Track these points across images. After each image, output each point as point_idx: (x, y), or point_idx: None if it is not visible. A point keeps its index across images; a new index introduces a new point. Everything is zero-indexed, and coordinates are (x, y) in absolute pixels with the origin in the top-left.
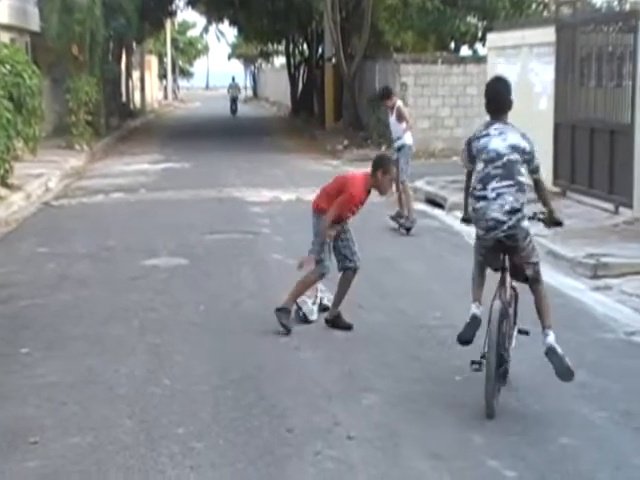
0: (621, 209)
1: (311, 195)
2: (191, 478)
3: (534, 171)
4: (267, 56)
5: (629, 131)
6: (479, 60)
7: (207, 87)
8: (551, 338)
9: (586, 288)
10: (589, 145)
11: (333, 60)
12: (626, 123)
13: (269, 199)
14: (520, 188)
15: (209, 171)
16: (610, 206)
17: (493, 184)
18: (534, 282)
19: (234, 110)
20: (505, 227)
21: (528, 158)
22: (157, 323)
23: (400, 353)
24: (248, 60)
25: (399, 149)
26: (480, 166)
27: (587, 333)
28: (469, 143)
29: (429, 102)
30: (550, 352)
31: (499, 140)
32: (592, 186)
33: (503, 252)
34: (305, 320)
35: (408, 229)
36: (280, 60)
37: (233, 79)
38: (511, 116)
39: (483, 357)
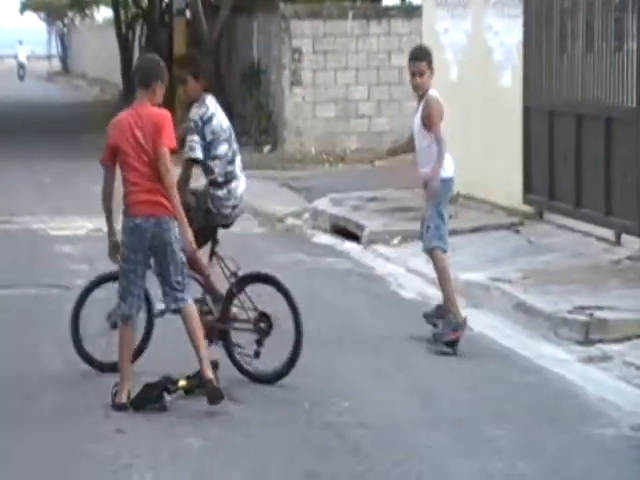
0: (625, 238)
1: None
2: None
3: None
4: (82, 6)
5: (634, 119)
6: (410, 13)
7: None
8: None
9: (573, 359)
10: (576, 141)
11: (187, 13)
12: (629, 107)
13: (86, 233)
14: None
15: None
16: (608, 233)
17: None
18: None
19: (22, 76)
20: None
21: None
22: None
23: (293, 468)
24: (53, 13)
25: (425, 186)
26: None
27: (574, 428)
28: None
29: (335, 78)
30: None
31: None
32: (581, 204)
33: None
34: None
35: (449, 343)
36: (104, 13)
37: (20, 43)
38: (458, 97)
39: None
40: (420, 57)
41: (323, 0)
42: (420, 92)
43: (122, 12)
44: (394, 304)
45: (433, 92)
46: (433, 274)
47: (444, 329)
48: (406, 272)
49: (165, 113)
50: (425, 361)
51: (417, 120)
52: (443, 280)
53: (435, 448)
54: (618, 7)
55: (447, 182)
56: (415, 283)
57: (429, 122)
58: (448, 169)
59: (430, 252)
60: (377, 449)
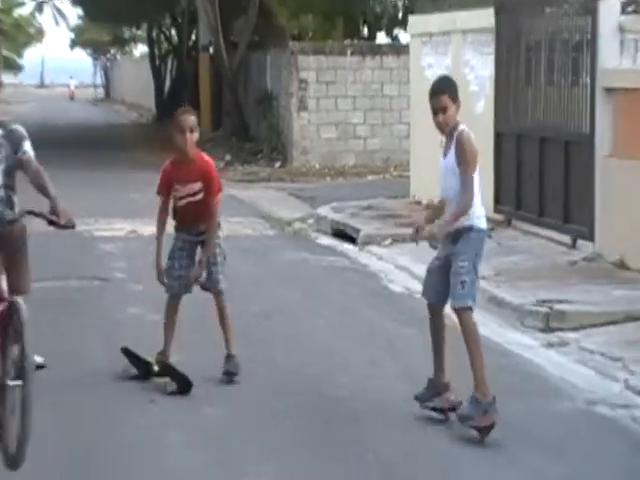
0: (580, 242)
1: None
2: None
3: None
4: (123, 43)
5: (588, 142)
6: (399, 50)
7: (42, 84)
8: None
9: (537, 345)
10: (539, 161)
11: (210, 49)
12: (584, 132)
13: (125, 234)
14: None
15: (40, 197)
16: (566, 238)
17: None
18: None
19: (72, 97)
20: None
21: None
22: None
23: (297, 433)
24: (98, 49)
25: (458, 235)
26: None
27: (538, 403)
28: None
29: (336, 105)
30: None
31: None
32: (543, 213)
33: None
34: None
35: (482, 429)
36: (141, 49)
37: (71, 77)
38: None
39: None
40: (440, 90)
41: (326, 39)
42: (447, 130)
43: (156, 48)
44: (385, 297)
45: (463, 128)
46: (418, 270)
47: (471, 411)
48: (395, 269)
49: None
50: (413, 348)
51: (449, 162)
52: (475, 346)
53: (425, 420)
54: (575, 47)
55: (483, 234)
56: (403, 279)
57: (460, 161)
58: (484, 220)
59: (459, 311)
60: (376, 420)
